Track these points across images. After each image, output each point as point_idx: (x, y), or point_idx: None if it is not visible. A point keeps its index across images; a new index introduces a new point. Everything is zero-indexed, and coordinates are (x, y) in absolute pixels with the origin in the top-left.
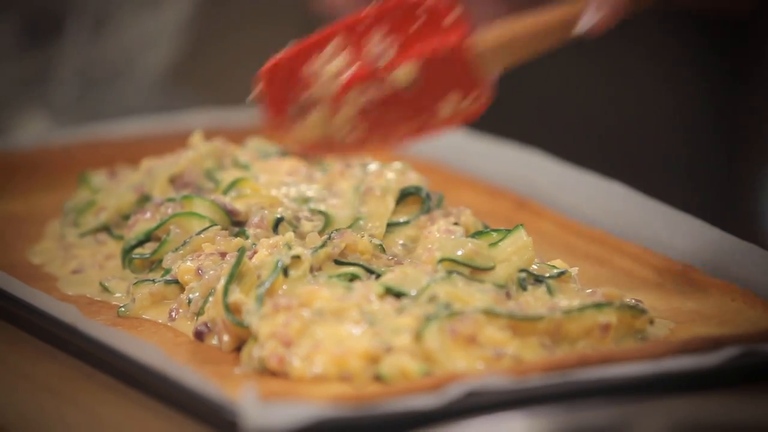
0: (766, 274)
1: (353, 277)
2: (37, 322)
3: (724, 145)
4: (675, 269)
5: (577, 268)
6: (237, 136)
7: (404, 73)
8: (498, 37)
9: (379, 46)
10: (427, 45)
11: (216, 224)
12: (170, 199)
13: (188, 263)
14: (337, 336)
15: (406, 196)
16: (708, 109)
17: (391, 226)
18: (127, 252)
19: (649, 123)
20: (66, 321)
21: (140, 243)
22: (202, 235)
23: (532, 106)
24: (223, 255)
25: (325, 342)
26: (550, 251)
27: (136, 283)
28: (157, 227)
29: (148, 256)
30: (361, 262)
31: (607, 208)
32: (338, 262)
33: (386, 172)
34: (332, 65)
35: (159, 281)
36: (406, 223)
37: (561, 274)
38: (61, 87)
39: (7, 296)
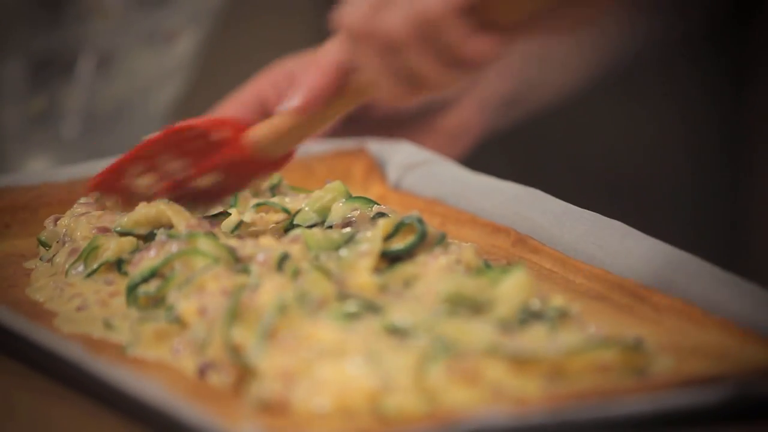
0: (764, 312)
1: (355, 314)
2: (42, 360)
3: (728, 183)
4: (674, 306)
5: (578, 306)
6: None
7: (205, 179)
8: (268, 134)
9: (173, 164)
10: (213, 158)
11: (219, 262)
12: (173, 237)
13: (191, 303)
14: (339, 374)
15: (400, 227)
16: (713, 148)
17: (392, 263)
18: (131, 289)
19: (651, 162)
20: (70, 358)
21: (145, 280)
22: (205, 273)
23: (531, 145)
24: (226, 293)
25: (326, 380)
26: (549, 288)
27: (140, 320)
28: (162, 264)
29: (153, 293)
30: (363, 299)
31: (607, 245)
32: (340, 298)
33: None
34: (142, 181)
35: (163, 319)
36: (404, 251)
37: (563, 311)
38: (67, 125)
39: (12, 334)
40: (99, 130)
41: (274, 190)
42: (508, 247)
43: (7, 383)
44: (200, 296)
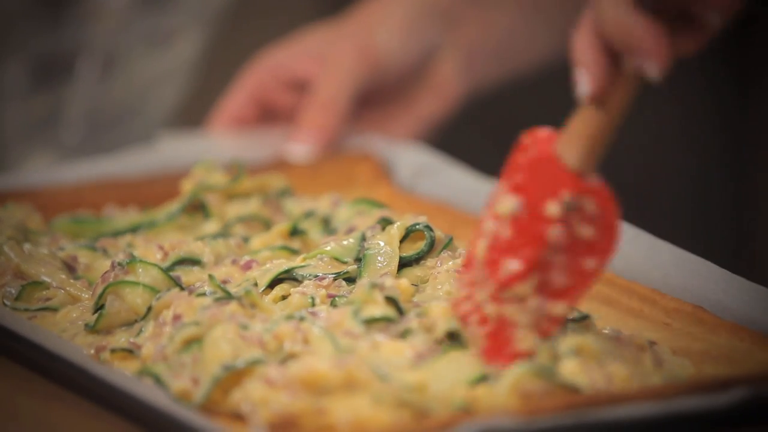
0: None
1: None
2: (45, 363)
3: (733, 186)
4: (684, 310)
5: (597, 315)
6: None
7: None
8: (582, 148)
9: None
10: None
11: (158, 290)
12: (120, 264)
13: (183, 381)
14: (350, 406)
15: (408, 234)
16: (717, 150)
17: (400, 268)
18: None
19: (657, 163)
20: (75, 362)
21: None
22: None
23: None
24: (177, 318)
25: (337, 415)
26: None
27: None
28: (99, 298)
29: (92, 324)
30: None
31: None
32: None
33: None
34: None
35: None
36: (416, 261)
37: (583, 318)
38: (70, 127)
39: (15, 336)
40: (101, 131)
41: (282, 195)
42: None
43: (9, 386)
44: (157, 336)
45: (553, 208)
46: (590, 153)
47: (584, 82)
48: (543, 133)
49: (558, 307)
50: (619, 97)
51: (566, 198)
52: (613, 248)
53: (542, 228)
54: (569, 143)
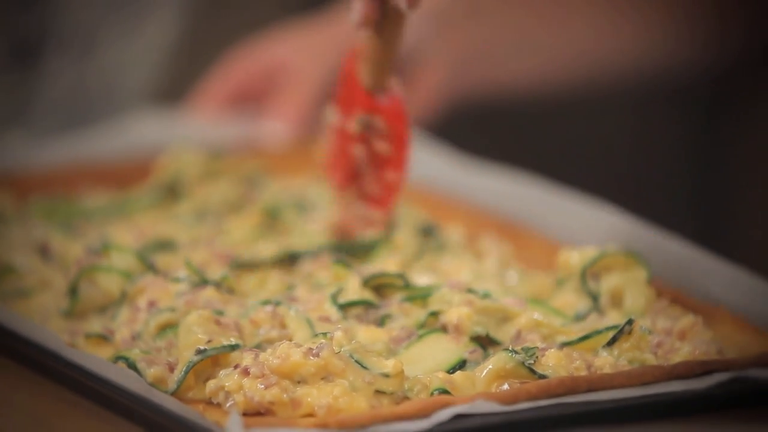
0: (755, 300)
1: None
2: (20, 349)
3: (720, 172)
4: (664, 294)
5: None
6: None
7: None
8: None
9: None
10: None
11: (132, 275)
12: (94, 249)
13: (124, 331)
14: (326, 394)
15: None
16: (706, 137)
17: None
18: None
19: (642, 149)
20: (49, 347)
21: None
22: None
23: (523, 133)
24: (152, 304)
25: (313, 403)
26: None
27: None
28: (74, 282)
29: (66, 310)
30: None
31: (596, 232)
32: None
33: None
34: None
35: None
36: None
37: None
38: (44, 111)
39: (10, 334)
40: (76, 114)
41: (257, 178)
42: (495, 235)
43: (6, 384)
44: (131, 322)
45: (352, 126)
46: (376, 73)
47: (355, 12)
48: (353, 50)
49: (376, 214)
50: (390, 27)
51: (361, 117)
52: (405, 161)
53: (349, 143)
54: (362, 65)
